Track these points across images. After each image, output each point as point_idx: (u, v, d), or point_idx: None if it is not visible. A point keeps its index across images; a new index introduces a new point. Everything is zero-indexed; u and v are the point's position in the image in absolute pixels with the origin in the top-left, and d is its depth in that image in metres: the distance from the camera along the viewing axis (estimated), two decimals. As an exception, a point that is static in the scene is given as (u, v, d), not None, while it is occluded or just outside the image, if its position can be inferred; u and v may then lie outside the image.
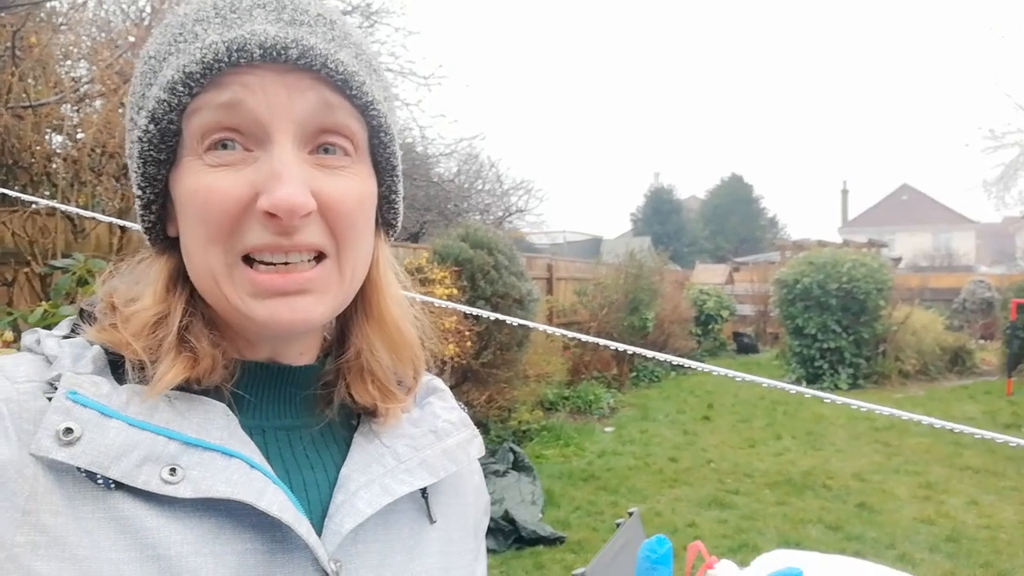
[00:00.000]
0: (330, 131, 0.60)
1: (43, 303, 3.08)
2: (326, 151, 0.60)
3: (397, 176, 0.67)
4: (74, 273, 2.94)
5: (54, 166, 4.26)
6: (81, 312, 0.64)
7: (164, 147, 0.59)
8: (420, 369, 0.73)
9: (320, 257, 0.60)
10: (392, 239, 0.72)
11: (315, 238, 0.59)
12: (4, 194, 2.87)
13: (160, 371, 0.57)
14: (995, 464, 6.65)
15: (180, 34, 0.58)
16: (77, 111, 4.45)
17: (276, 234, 0.57)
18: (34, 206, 3.11)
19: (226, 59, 0.56)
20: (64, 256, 3.54)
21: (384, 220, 0.69)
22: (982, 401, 9.94)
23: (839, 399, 1.82)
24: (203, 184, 0.57)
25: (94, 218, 2.39)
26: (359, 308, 0.67)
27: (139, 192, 0.62)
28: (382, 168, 0.65)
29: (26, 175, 4.19)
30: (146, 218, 0.63)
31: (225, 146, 0.57)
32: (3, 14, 4.06)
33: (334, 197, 0.59)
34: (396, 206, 0.69)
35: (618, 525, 2.39)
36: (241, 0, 0.59)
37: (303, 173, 0.57)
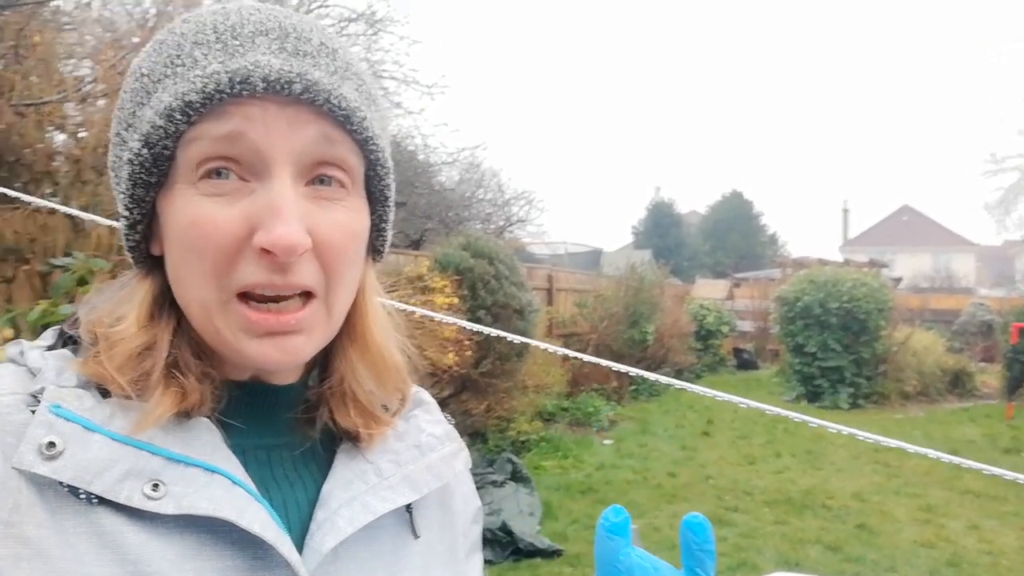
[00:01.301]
0: (328, 163, 0.59)
1: (43, 301, 3.06)
2: (322, 182, 0.59)
3: (389, 206, 0.67)
4: (74, 272, 2.92)
5: (56, 164, 4.24)
6: (61, 333, 0.62)
7: (156, 170, 0.57)
8: (407, 394, 0.72)
9: (308, 295, 0.59)
10: (378, 261, 0.71)
11: (307, 279, 0.57)
12: (4, 193, 2.84)
13: (149, 407, 0.56)
14: (996, 488, 6.60)
15: (177, 56, 0.57)
16: (80, 110, 4.43)
17: (270, 272, 0.56)
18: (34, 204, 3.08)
19: (228, 90, 0.54)
20: (65, 254, 3.51)
21: (373, 247, 0.68)
22: (982, 424, 9.90)
23: (845, 429, 1.79)
24: (199, 215, 0.56)
25: (93, 220, 2.36)
26: (344, 334, 0.66)
27: (126, 213, 0.60)
28: (375, 199, 0.65)
29: (28, 173, 4.17)
30: (131, 238, 0.62)
31: (219, 174, 0.56)
32: (8, 12, 4.05)
33: (329, 234, 0.58)
34: (385, 234, 0.69)
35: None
36: (243, 25, 0.57)
37: (300, 209, 0.56)
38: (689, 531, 0.62)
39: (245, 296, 0.57)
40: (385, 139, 0.64)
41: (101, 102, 4.44)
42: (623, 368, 1.90)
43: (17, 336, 2.46)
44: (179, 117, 0.54)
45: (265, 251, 0.55)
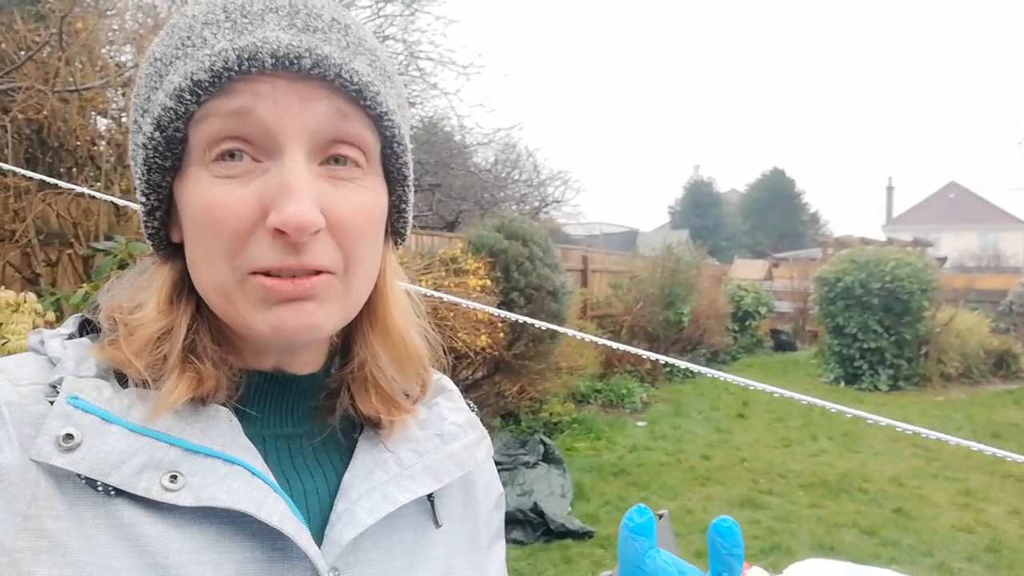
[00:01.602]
0: (342, 141, 0.58)
1: (85, 284, 3.14)
2: (336, 162, 0.58)
3: (408, 186, 0.65)
4: (116, 255, 2.99)
5: (99, 149, 4.33)
6: (83, 321, 0.63)
7: (170, 154, 0.57)
8: (428, 381, 0.71)
9: (322, 272, 0.58)
10: (399, 247, 0.70)
11: (323, 259, 0.57)
12: (45, 179, 2.92)
13: (164, 391, 0.56)
14: (1039, 473, 6.46)
15: (188, 37, 0.56)
16: (122, 95, 4.52)
17: (284, 253, 0.55)
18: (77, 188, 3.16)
19: (236, 67, 0.54)
20: (106, 238, 3.61)
21: (393, 229, 0.67)
22: (1027, 407, 9.67)
23: (883, 420, 1.77)
24: (211, 197, 0.55)
25: (129, 206, 2.41)
26: (364, 318, 0.66)
27: (143, 199, 0.60)
28: (393, 178, 0.63)
29: (71, 158, 4.27)
30: (149, 224, 0.61)
31: (232, 156, 0.55)
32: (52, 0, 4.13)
33: (344, 213, 0.57)
34: (406, 215, 0.67)
35: (647, 525, 2.35)
36: (252, 3, 0.56)
37: (314, 188, 0.55)
38: (718, 535, 0.61)
39: (258, 274, 0.56)
40: (401, 116, 0.62)
41: (142, 87, 4.52)
42: (649, 355, 1.90)
43: (60, 319, 2.53)
44: (188, 97, 0.54)
45: (278, 231, 0.54)
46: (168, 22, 0.60)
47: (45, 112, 3.87)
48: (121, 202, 2.48)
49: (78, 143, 4.16)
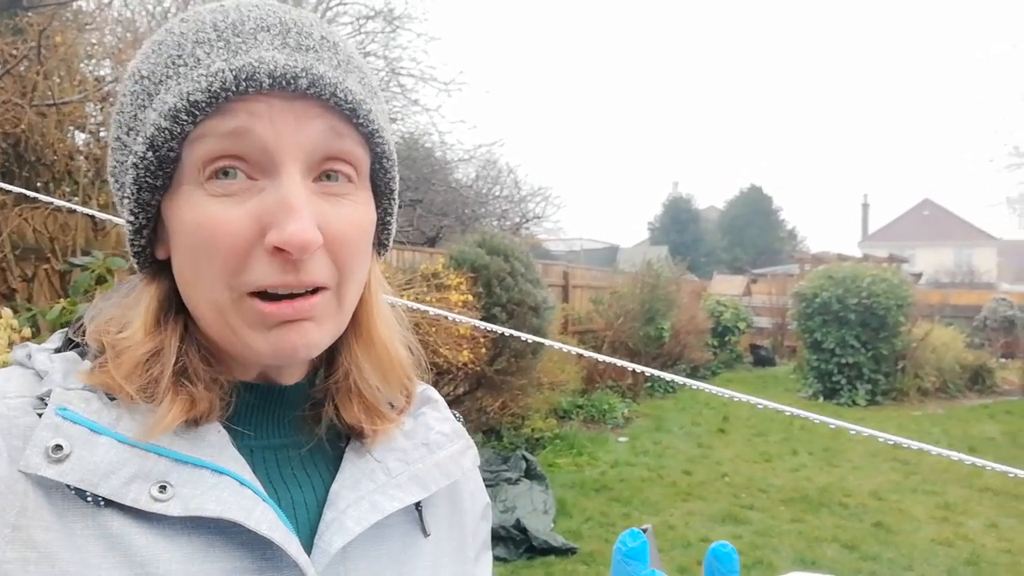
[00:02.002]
0: (336, 158, 0.58)
1: (62, 300, 3.10)
2: (329, 178, 0.58)
3: (394, 199, 0.67)
4: (93, 271, 2.95)
5: (77, 163, 4.29)
6: (68, 341, 0.62)
7: (161, 173, 0.57)
8: (412, 391, 0.72)
9: (318, 289, 0.58)
10: (382, 257, 0.71)
11: (320, 275, 0.57)
12: (24, 193, 2.88)
13: (157, 416, 0.56)
14: (1015, 486, 6.52)
15: (179, 56, 0.56)
16: (100, 109, 4.48)
17: (283, 272, 0.55)
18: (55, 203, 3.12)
19: (234, 88, 0.54)
20: (84, 253, 3.56)
21: (378, 241, 0.68)
22: (1002, 421, 9.79)
23: (864, 430, 1.78)
24: (207, 216, 0.55)
25: (110, 220, 2.38)
26: (349, 329, 0.66)
27: (131, 218, 0.59)
28: (380, 192, 0.65)
29: (48, 172, 4.22)
30: (136, 243, 0.61)
31: (227, 174, 0.56)
32: (30, 13, 4.10)
33: (339, 229, 0.58)
34: (390, 228, 0.68)
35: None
36: (244, 22, 0.57)
37: (312, 206, 0.56)
38: (715, 560, 0.61)
39: (255, 295, 0.56)
40: (389, 132, 0.64)
41: (120, 102, 4.49)
42: (633, 366, 1.90)
43: (36, 335, 2.49)
44: (184, 118, 0.54)
45: (278, 250, 0.54)
46: (150, 39, 0.60)
47: (22, 126, 3.84)
48: (100, 215, 2.45)
49: (55, 157, 4.12)
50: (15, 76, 3.96)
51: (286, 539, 0.55)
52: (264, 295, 0.56)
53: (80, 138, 4.60)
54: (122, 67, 4.40)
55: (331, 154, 0.58)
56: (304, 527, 0.60)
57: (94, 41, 5.05)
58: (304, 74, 0.55)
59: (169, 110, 0.54)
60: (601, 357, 1.94)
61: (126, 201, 0.59)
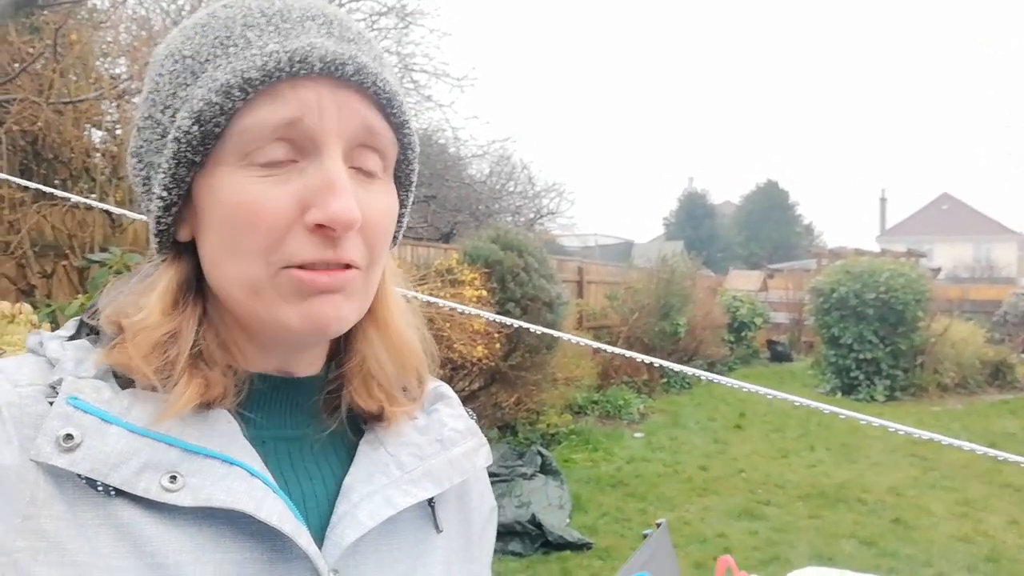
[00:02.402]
0: (369, 147, 0.60)
1: (80, 296, 3.13)
2: (361, 166, 0.60)
3: (411, 192, 0.69)
4: (111, 267, 2.98)
5: (93, 161, 4.32)
6: (82, 324, 0.62)
7: (202, 149, 0.57)
8: (424, 377, 0.72)
9: (348, 266, 0.59)
10: (393, 249, 0.71)
11: (354, 253, 0.59)
12: (42, 190, 2.90)
13: (172, 398, 0.56)
14: (1037, 482, 6.46)
15: (227, 37, 0.58)
16: (116, 107, 4.51)
17: (322, 248, 0.57)
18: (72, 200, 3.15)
19: (287, 69, 0.56)
20: (102, 250, 3.60)
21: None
22: (1023, 416, 9.68)
23: (876, 420, 1.76)
24: (251, 195, 0.56)
25: (126, 215, 2.40)
26: (364, 316, 0.67)
27: (164, 194, 0.59)
28: (400, 184, 0.67)
29: (66, 169, 4.26)
30: (163, 220, 0.61)
31: (272, 156, 0.57)
32: (46, 12, 4.13)
33: (372, 213, 0.59)
34: (403, 220, 0.70)
35: (645, 536, 2.34)
36: (290, 11, 0.59)
37: (352, 186, 0.58)
38: None
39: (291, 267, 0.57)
40: (414, 125, 0.67)
41: (137, 99, 4.53)
42: (651, 360, 1.89)
43: (56, 330, 2.52)
44: (237, 94, 0.55)
45: (319, 227, 0.56)
46: (190, 23, 0.61)
47: (40, 124, 3.87)
48: (117, 210, 2.47)
49: (72, 155, 4.16)
50: (32, 74, 4.00)
51: (296, 531, 0.55)
52: (300, 268, 0.57)
53: (97, 135, 4.64)
54: (137, 65, 4.43)
55: (366, 142, 0.60)
56: (315, 519, 0.60)
57: (109, 39, 5.08)
58: (351, 61, 0.57)
59: (221, 86, 0.56)
60: (615, 350, 1.93)
61: (160, 176, 0.59)
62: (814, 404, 1.85)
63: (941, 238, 43.08)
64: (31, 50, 4.05)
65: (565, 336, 2.07)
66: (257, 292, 0.58)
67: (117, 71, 4.95)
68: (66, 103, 4.04)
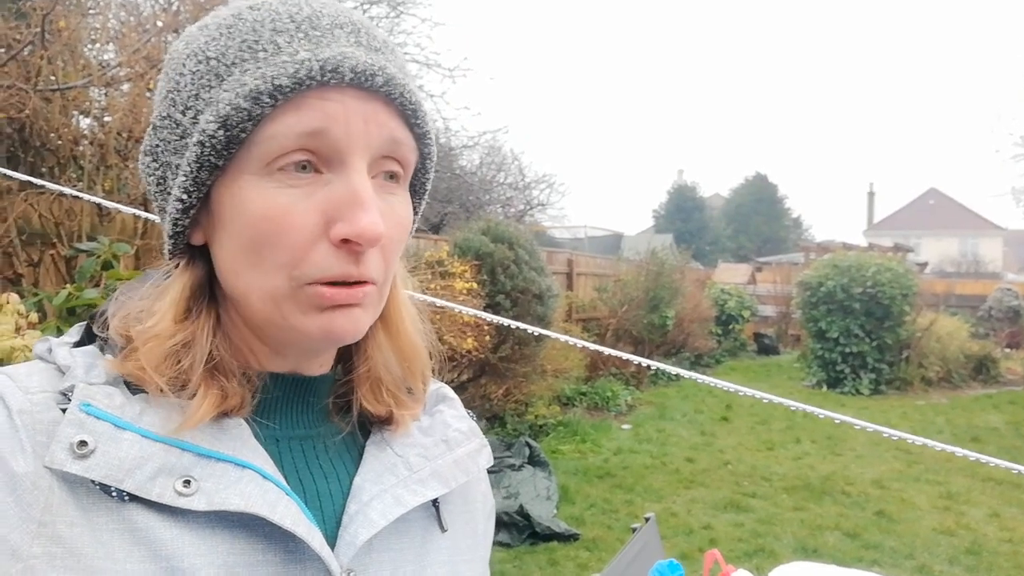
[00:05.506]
0: (392, 158, 0.60)
1: (68, 285, 3.10)
2: (381, 176, 0.61)
3: (425, 199, 0.69)
4: (99, 256, 2.96)
5: (81, 148, 4.29)
6: (88, 330, 0.62)
7: (226, 153, 0.57)
8: (428, 378, 0.73)
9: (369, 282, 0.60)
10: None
11: (374, 270, 0.59)
12: (30, 180, 2.88)
13: (190, 410, 0.56)
14: (1018, 476, 6.51)
15: (256, 41, 0.57)
16: (104, 95, 4.47)
17: (346, 263, 0.57)
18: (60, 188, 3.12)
19: (319, 78, 0.55)
20: (89, 239, 3.57)
21: None
22: (1006, 411, 9.79)
23: (869, 425, 1.78)
24: (276, 207, 0.56)
25: (115, 208, 2.39)
26: (376, 319, 0.67)
27: (183, 196, 0.59)
28: (415, 192, 0.67)
29: (53, 157, 4.22)
30: (181, 223, 0.60)
31: (299, 167, 0.57)
32: (34, -3, 4.08)
33: (391, 226, 0.60)
34: (413, 224, 0.71)
35: (634, 530, 2.36)
36: (319, 17, 0.58)
37: (377, 200, 0.58)
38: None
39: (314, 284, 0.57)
40: (435, 135, 0.66)
41: (125, 86, 4.48)
42: (634, 358, 1.90)
43: (43, 320, 2.50)
44: (267, 100, 0.54)
45: (344, 241, 0.55)
46: (212, 22, 0.59)
47: (27, 111, 3.83)
48: (105, 203, 2.45)
49: (60, 143, 4.12)
50: (19, 61, 3.95)
51: (309, 533, 0.56)
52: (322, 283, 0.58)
53: (85, 123, 4.60)
54: (126, 52, 4.38)
55: (389, 153, 0.59)
56: (329, 519, 0.61)
57: (97, 26, 5.03)
58: (380, 72, 0.57)
59: (250, 91, 0.55)
60: (604, 349, 1.94)
61: (180, 179, 0.58)
62: (789, 403, 1.87)
63: (928, 233, 43.33)
64: (18, 36, 4.00)
65: (557, 336, 2.08)
66: (276, 303, 0.58)
67: (105, 58, 4.90)
68: (54, 90, 4.01)
